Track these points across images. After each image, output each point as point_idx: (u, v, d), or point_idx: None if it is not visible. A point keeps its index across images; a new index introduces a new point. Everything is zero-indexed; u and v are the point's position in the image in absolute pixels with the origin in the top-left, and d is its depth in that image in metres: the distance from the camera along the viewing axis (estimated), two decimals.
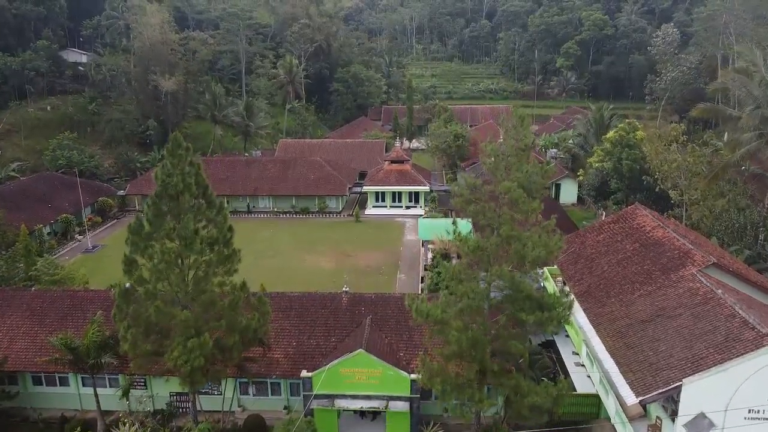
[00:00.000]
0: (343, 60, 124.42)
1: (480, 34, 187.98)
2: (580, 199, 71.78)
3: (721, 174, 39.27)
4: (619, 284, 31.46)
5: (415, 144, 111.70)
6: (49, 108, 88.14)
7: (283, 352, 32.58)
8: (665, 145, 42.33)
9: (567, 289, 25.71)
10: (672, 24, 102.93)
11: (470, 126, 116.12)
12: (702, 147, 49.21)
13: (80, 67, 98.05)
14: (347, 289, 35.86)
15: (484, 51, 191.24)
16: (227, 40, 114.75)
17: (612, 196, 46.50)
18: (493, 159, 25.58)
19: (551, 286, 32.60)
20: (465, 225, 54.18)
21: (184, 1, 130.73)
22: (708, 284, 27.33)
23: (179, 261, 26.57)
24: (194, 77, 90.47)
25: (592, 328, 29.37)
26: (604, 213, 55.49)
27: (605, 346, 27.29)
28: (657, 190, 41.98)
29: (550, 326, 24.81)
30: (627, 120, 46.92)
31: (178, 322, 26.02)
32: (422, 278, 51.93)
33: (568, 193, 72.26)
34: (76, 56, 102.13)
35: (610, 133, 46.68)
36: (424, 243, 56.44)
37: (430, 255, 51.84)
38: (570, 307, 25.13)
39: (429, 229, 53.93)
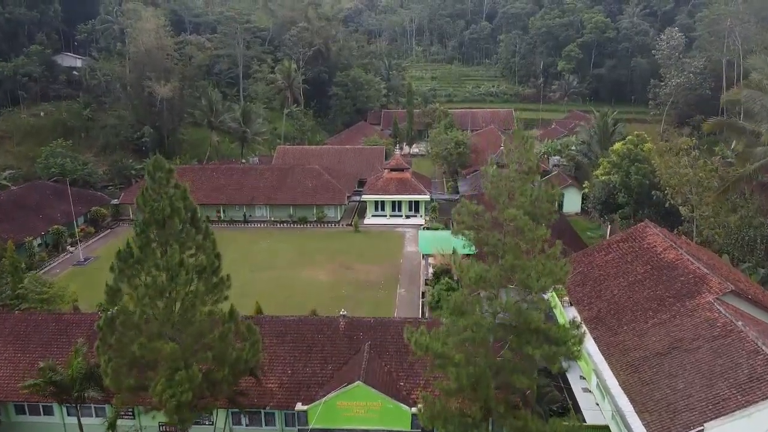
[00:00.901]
0: (342, 63, 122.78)
1: (480, 36, 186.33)
2: (583, 209, 70.27)
3: (732, 188, 37.72)
4: (631, 311, 29.90)
5: (415, 149, 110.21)
6: (42, 114, 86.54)
7: (278, 380, 31.05)
8: (674, 156, 40.77)
9: (578, 319, 24.12)
10: (676, 28, 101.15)
11: (471, 131, 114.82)
12: (712, 159, 47.73)
13: (75, 72, 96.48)
14: (345, 312, 34.34)
15: (485, 53, 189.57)
16: (224, 43, 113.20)
17: (619, 211, 44.97)
18: (493, 184, 24.05)
19: (561, 315, 30.93)
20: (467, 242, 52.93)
21: (181, 5, 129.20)
22: (727, 315, 25.79)
23: (166, 292, 24.99)
24: (190, 82, 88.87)
25: (603, 359, 27.81)
26: (609, 226, 54.00)
27: (618, 381, 25.73)
28: (666, 205, 40.47)
29: (558, 363, 23.25)
30: (636, 132, 45.38)
31: (164, 356, 24.46)
32: (423, 293, 50.44)
33: (572, 202, 70.73)
34: (70, 61, 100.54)
35: (617, 145, 45.17)
36: (425, 256, 54.91)
37: (431, 270, 50.25)
38: (581, 341, 23.58)
39: (430, 242, 52.43)
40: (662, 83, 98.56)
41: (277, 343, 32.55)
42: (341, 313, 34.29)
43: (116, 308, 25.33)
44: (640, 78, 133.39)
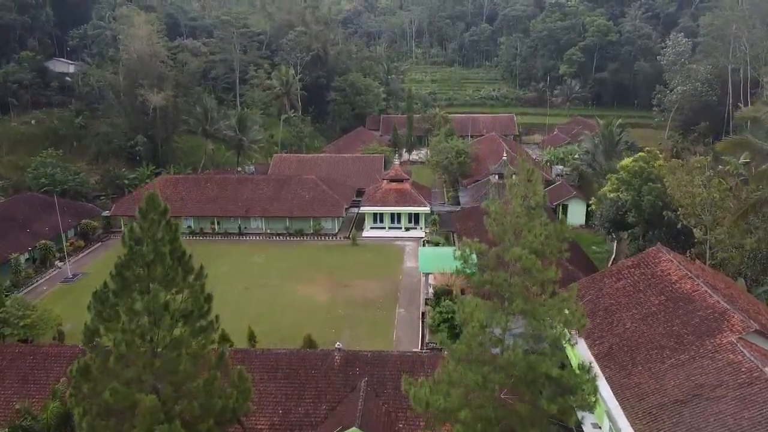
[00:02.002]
0: (340, 68, 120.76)
1: (480, 38, 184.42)
2: (588, 222, 68.33)
3: (751, 210, 35.78)
4: (646, 348, 27.96)
5: (415, 156, 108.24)
6: (33, 122, 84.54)
7: (268, 421, 29.14)
8: (687, 174, 38.84)
9: (589, 361, 22.19)
10: (682, 33, 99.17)
11: (471, 136, 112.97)
12: (720, 168, 45.83)
13: (67, 78, 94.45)
14: (340, 345, 32.40)
15: (485, 55, 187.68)
16: (221, 47, 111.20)
17: (629, 231, 43.08)
18: (497, 220, 22.10)
19: (572, 356, 28.85)
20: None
21: (178, 8, 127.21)
22: (752, 359, 23.86)
23: (147, 336, 23.03)
24: (185, 90, 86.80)
25: (617, 403, 25.86)
26: (616, 244, 52.04)
27: (635, 431, 23.79)
28: (679, 226, 38.57)
29: (573, 416, 21.33)
30: (647, 148, 43.44)
31: (143, 409, 22.47)
32: (423, 314, 48.50)
33: (576, 214, 68.74)
34: (63, 66, 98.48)
35: (628, 161, 43.24)
36: (426, 274, 52.90)
37: (431, 291, 48.30)
38: (596, 390, 21.63)
39: (430, 260, 50.38)
40: (667, 89, 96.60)
41: (268, 379, 30.63)
42: (336, 345, 32.37)
43: (91, 354, 23.42)
44: (644, 82, 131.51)
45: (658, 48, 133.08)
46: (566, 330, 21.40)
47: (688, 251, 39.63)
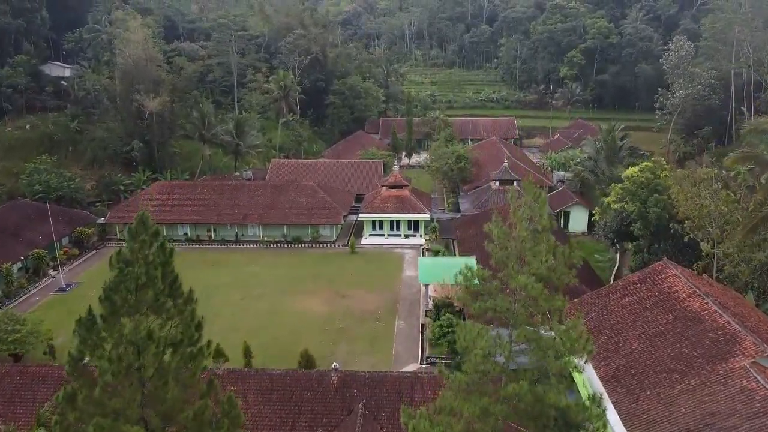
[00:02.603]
0: (339, 71, 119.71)
1: (480, 39, 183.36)
2: (590, 228, 67.35)
3: (760, 224, 34.74)
4: (654, 371, 26.93)
5: (415, 159, 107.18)
6: (28, 127, 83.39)
7: None
8: (693, 186, 37.81)
9: (599, 395, 21.12)
10: (685, 37, 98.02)
11: (471, 140, 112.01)
12: (724, 174, 44.74)
13: (63, 82, 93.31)
14: (337, 366, 31.36)
15: (485, 57, 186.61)
16: (219, 50, 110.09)
17: (634, 243, 42.05)
18: (500, 245, 21.04)
19: (578, 379, 27.74)
20: (470, 261, 49.86)
21: (175, 11, 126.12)
22: (767, 385, 22.82)
23: (132, 366, 21.96)
24: (181, 94, 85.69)
25: (624, 430, 24.82)
26: (618, 254, 51.02)
27: None
28: (686, 239, 37.55)
29: None
30: (654, 159, 42.41)
31: None
32: (423, 326, 47.46)
33: (578, 221, 67.83)
34: (58, 70, 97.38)
35: (633, 170, 42.22)
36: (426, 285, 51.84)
37: (431, 303, 47.26)
38: (605, 425, 20.59)
39: (430, 271, 49.33)
40: (669, 93, 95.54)
41: (262, 401, 29.61)
42: (333, 366, 31.29)
43: (77, 382, 22.35)
44: (645, 84, 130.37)
45: (660, 50, 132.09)
46: (573, 358, 20.37)
47: (694, 264, 38.58)
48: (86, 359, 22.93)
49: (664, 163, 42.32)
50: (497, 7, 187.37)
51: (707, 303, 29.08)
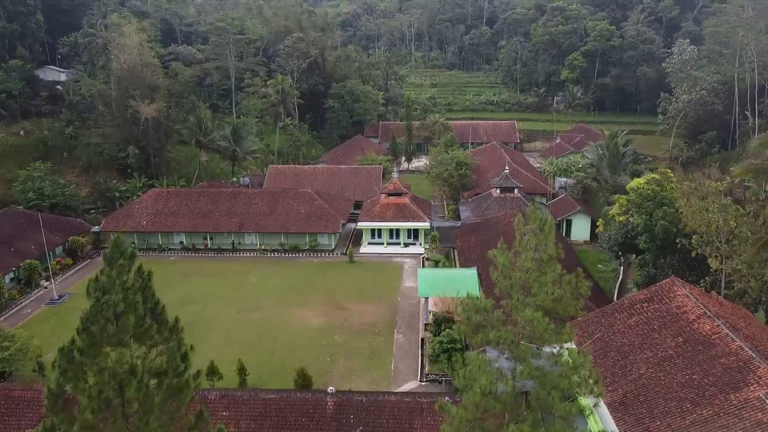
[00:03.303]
0: (338, 74, 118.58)
1: (480, 41, 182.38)
2: (593, 236, 66.22)
3: None
4: (664, 399, 25.78)
5: (414, 164, 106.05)
6: (22, 133, 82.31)
7: None
8: (701, 199, 36.69)
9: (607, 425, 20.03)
10: (688, 41, 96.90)
11: (471, 144, 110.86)
12: (728, 179, 43.65)
13: (58, 86, 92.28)
14: (333, 390, 30.18)
15: (485, 58, 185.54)
16: (216, 53, 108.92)
17: (639, 257, 40.95)
18: (505, 274, 19.90)
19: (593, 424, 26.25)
20: (470, 275, 48.71)
21: (173, 14, 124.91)
22: None
23: (113, 401, 20.80)
24: (178, 99, 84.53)
25: None
26: (622, 267, 49.87)
27: None
28: (694, 254, 36.44)
29: None
30: (661, 170, 41.25)
31: None
32: (422, 340, 46.32)
33: (580, 229, 66.70)
34: (54, 74, 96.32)
35: (639, 182, 41.03)
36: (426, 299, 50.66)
37: (430, 317, 46.10)
38: None
39: (430, 284, 48.19)
40: (672, 97, 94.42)
41: (255, 428, 28.48)
42: (329, 390, 30.16)
43: (56, 417, 21.20)
44: (646, 87, 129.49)
45: (661, 53, 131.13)
46: (581, 397, 19.27)
47: (702, 280, 37.46)
48: (69, 388, 21.89)
49: (671, 175, 41.12)
50: (497, 9, 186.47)
51: (718, 326, 27.95)
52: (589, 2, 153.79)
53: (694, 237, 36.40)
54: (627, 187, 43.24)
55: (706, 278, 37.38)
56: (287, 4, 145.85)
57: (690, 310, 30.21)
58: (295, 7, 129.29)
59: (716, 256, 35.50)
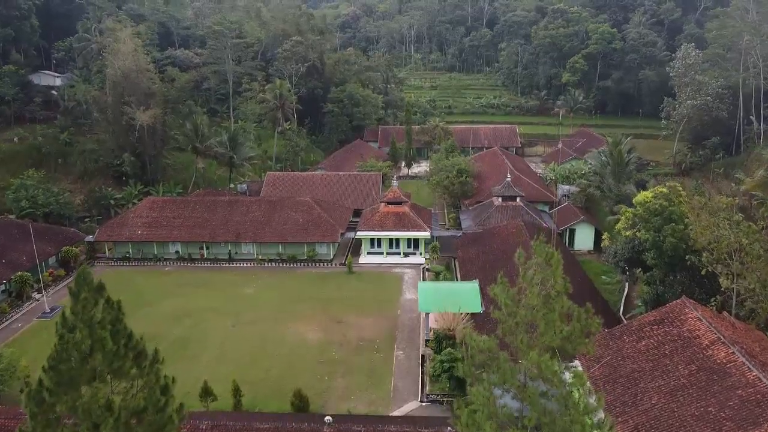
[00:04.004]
0: (337, 78, 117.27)
1: (480, 43, 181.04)
2: (596, 246, 64.99)
3: None
4: None
5: (415, 169, 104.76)
6: (16, 139, 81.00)
7: None
8: (712, 216, 35.43)
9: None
10: (693, 44, 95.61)
11: (471, 149, 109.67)
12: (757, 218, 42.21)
13: (53, 92, 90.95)
14: (330, 419, 28.89)
15: (485, 60, 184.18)
16: (214, 57, 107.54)
17: (647, 273, 39.68)
18: (509, 311, 18.59)
19: None
20: (472, 289, 47.43)
21: (170, 17, 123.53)
22: None
23: None
24: (174, 105, 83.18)
25: None
26: (628, 283, 48.59)
27: None
28: (703, 272, 35.17)
29: None
30: (669, 184, 40.00)
31: None
32: (422, 357, 45.06)
33: (584, 239, 65.44)
34: (49, 79, 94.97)
35: (646, 195, 39.76)
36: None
37: (431, 334, 44.79)
38: None
39: (431, 298, 46.90)
40: (676, 102, 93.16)
41: None
42: (326, 420, 28.87)
43: None
44: (648, 91, 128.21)
45: (664, 56, 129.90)
46: None
47: (712, 299, 36.19)
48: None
49: (680, 189, 39.84)
50: (497, 10, 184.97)
51: (733, 354, 26.68)
52: (591, 4, 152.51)
53: (704, 254, 35.14)
54: (634, 201, 41.96)
55: (717, 297, 36.11)
56: (286, 5, 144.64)
57: (703, 334, 28.95)
58: (294, 10, 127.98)
59: (727, 275, 34.22)
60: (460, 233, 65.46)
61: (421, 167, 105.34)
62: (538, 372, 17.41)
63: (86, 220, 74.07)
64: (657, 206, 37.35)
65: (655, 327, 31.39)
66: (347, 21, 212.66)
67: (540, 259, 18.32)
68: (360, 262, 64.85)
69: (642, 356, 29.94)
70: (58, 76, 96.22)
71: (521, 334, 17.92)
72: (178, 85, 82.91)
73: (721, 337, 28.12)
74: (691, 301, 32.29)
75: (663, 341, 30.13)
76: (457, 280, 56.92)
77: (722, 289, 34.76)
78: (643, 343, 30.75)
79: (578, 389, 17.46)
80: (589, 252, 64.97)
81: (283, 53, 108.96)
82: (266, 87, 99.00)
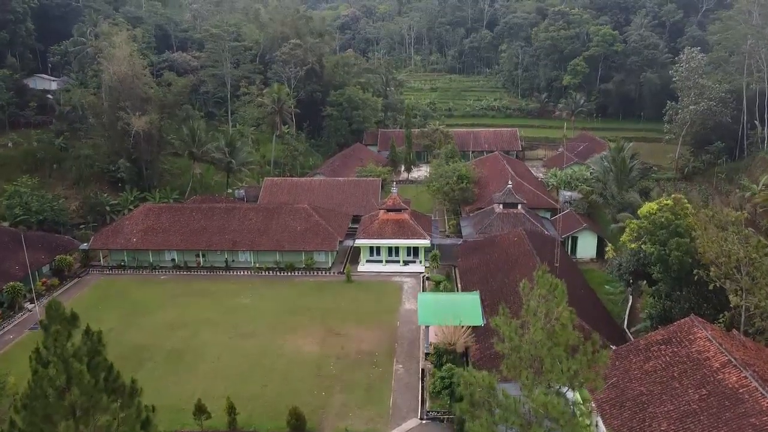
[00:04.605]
0: (336, 81, 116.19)
1: (480, 44, 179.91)
2: (599, 253, 63.98)
3: None
4: None
5: (414, 174, 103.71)
6: (10, 144, 79.93)
7: None
8: (720, 230, 34.38)
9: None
10: (698, 48, 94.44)
11: (471, 152, 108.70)
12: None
13: (49, 96, 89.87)
14: None
15: (485, 62, 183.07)
16: (212, 60, 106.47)
17: (653, 287, 38.58)
18: (513, 347, 17.53)
19: None
20: (473, 301, 46.36)
21: (168, 20, 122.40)
22: None
23: None
24: (171, 110, 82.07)
25: None
26: (632, 296, 47.51)
27: None
28: (711, 287, 34.13)
29: None
30: (674, 195, 38.93)
31: None
32: (422, 371, 44.02)
33: (587, 247, 64.41)
34: (45, 83, 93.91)
35: (651, 207, 38.68)
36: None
37: (431, 348, 43.70)
38: None
39: (431, 311, 45.79)
40: (678, 106, 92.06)
41: None
42: None
43: None
44: (650, 93, 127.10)
45: (665, 58, 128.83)
46: None
47: (721, 314, 35.15)
48: None
49: (686, 202, 38.75)
50: (497, 12, 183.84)
51: (746, 378, 25.62)
52: (592, 6, 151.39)
53: (712, 269, 34.09)
54: (639, 212, 40.89)
55: (725, 313, 35.06)
56: (284, 5, 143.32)
57: (713, 356, 27.89)
58: (292, 12, 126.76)
59: (736, 291, 33.17)
60: (460, 241, 64.40)
61: (420, 171, 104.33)
62: (545, 411, 16.36)
63: (81, 226, 73.02)
64: (662, 219, 36.28)
65: (663, 347, 30.33)
66: (347, 22, 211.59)
67: (544, 290, 17.25)
68: (359, 270, 63.83)
69: (650, 378, 28.89)
70: (54, 80, 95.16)
71: (525, 371, 16.88)
72: (175, 89, 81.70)
73: (733, 360, 27.06)
74: (700, 319, 31.25)
75: (671, 362, 29.07)
76: (457, 289, 55.90)
77: (732, 307, 33.70)
78: (651, 364, 29.69)
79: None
80: (591, 260, 63.96)
81: (281, 56, 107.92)
82: (264, 91, 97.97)
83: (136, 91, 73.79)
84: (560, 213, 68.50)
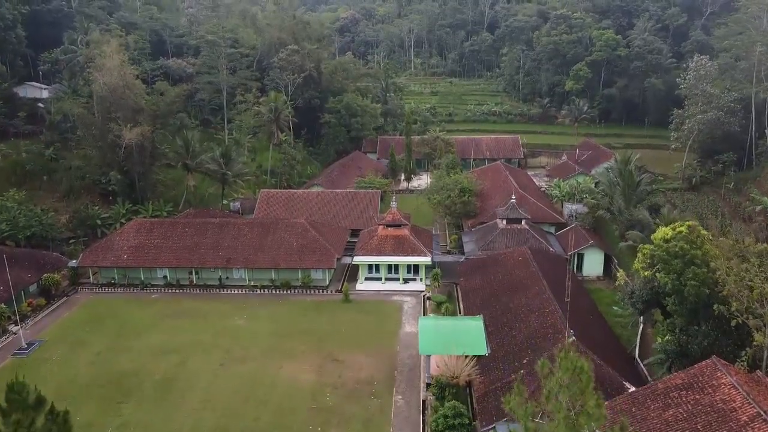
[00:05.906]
0: (335, 87, 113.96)
1: (481, 47, 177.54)
2: (606, 270, 61.82)
3: None
4: None
5: (414, 183, 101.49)
6: None
7: None
8: (742, 261, 32.22)
9: None
10: (707, 57, 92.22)
11: (473, 160, 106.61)
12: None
13: (40, 104, 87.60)
14: None
15: (486, 65, 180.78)
16: (208, 66, 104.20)
17: (668, 320, 36.34)
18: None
19: None
20: (476, 328, 44.12)
21: (163, 25, 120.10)
22: None
23: None
24: (163, 120, 79.79)
25: None
26: (642, 324, 45.28)
27: None
28: (733, 324, 31.96)
29: None
30: (688, 223, 36.80)
31: None
32: (423, 403, 41.81)
33: (593, 264, 62.25)
34: (35, 91, 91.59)
35: (665, 232, 36.51)
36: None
37: (433, 380, 41.46)
38: None
39: (431, 339, 43.53)
40: (684, 114, 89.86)
41: None
42: None
43: None
44: (654, 99, 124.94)
45: (669, 63, 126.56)
46: None
47: (743, 351, 32.96)
48: None
49: (702, 230, 36.57)
50: (498, 15, 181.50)
51: None
52: (594, 10, 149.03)
53: (733, 303, 31.89)
54: (653, 237, 38.65)
55: (747, 350, 32.85)
56: (283, 7, 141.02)
57: (740, 407, 25.69)
58: (290, 17, 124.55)
59: (760, 328, 30.96)
60: (462, 258, 62.21)
61: (421, 180, 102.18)
62: None
63: (71, 241, 70.72)
64: (677, 248, 34.11)
65: (684, 393, 28.13)
66: (346, 24, 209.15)
67: (566, 375, 15.01)
68: (357, 288, 61.67)
69: (671, 430, 26.69)
70: (45, 88, 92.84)
71: None
72: (167, 98, 79.35)
73: (762, 413, 24.86)
74: (722, 361, 29.04)
75: (694, 412, 26.88)
76: (459, 311, 53.72)
77: (755, 343, 31.53)
78: (671, 413, 27.50)
79: None
80: (598, 278, 61.80)
81: (279, 63, 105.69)
82: (261, 99, 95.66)
83: (127, 102, 71.50)
84: (565, 228, 66.28)
